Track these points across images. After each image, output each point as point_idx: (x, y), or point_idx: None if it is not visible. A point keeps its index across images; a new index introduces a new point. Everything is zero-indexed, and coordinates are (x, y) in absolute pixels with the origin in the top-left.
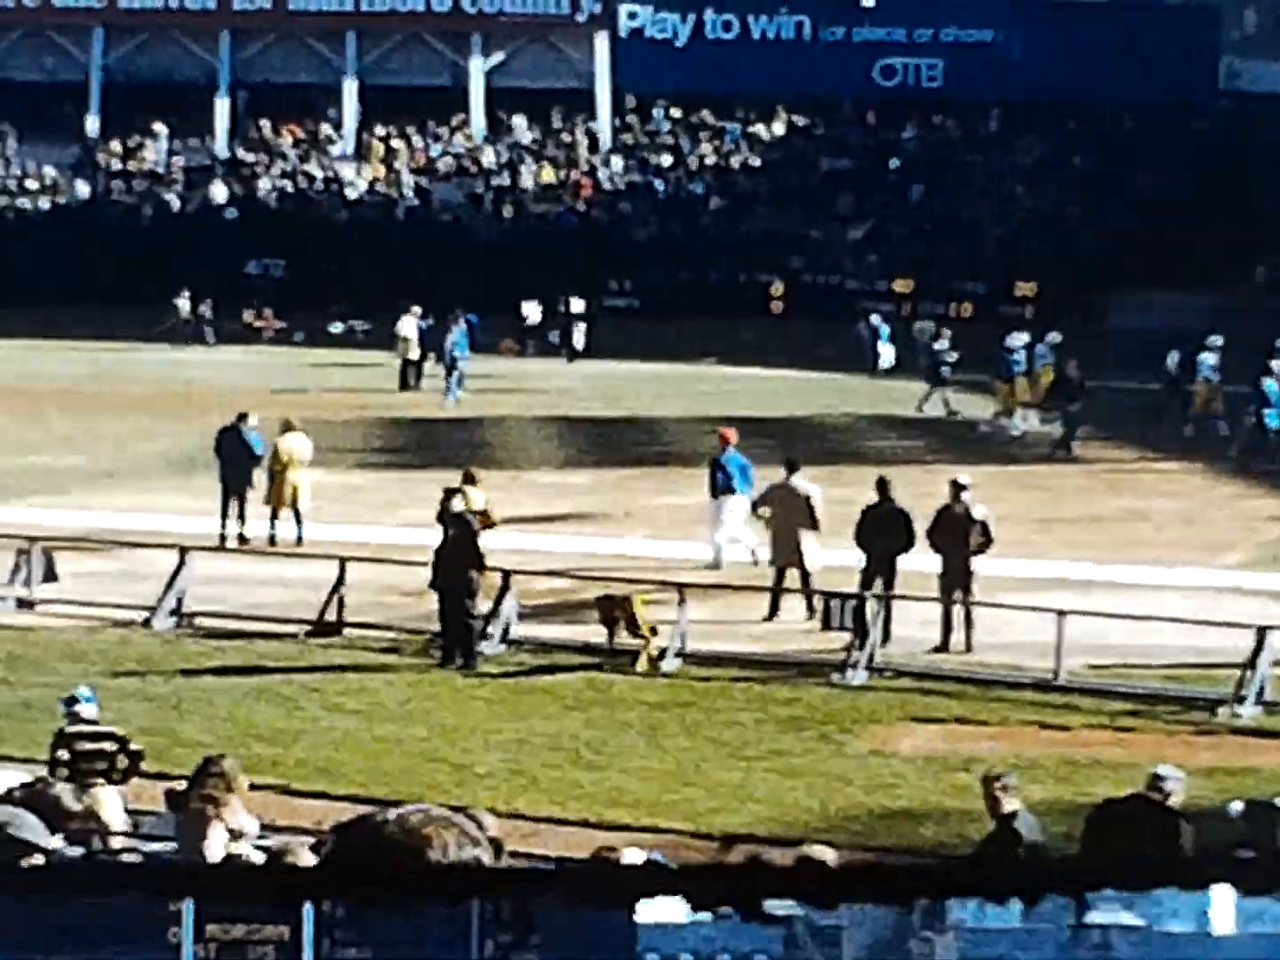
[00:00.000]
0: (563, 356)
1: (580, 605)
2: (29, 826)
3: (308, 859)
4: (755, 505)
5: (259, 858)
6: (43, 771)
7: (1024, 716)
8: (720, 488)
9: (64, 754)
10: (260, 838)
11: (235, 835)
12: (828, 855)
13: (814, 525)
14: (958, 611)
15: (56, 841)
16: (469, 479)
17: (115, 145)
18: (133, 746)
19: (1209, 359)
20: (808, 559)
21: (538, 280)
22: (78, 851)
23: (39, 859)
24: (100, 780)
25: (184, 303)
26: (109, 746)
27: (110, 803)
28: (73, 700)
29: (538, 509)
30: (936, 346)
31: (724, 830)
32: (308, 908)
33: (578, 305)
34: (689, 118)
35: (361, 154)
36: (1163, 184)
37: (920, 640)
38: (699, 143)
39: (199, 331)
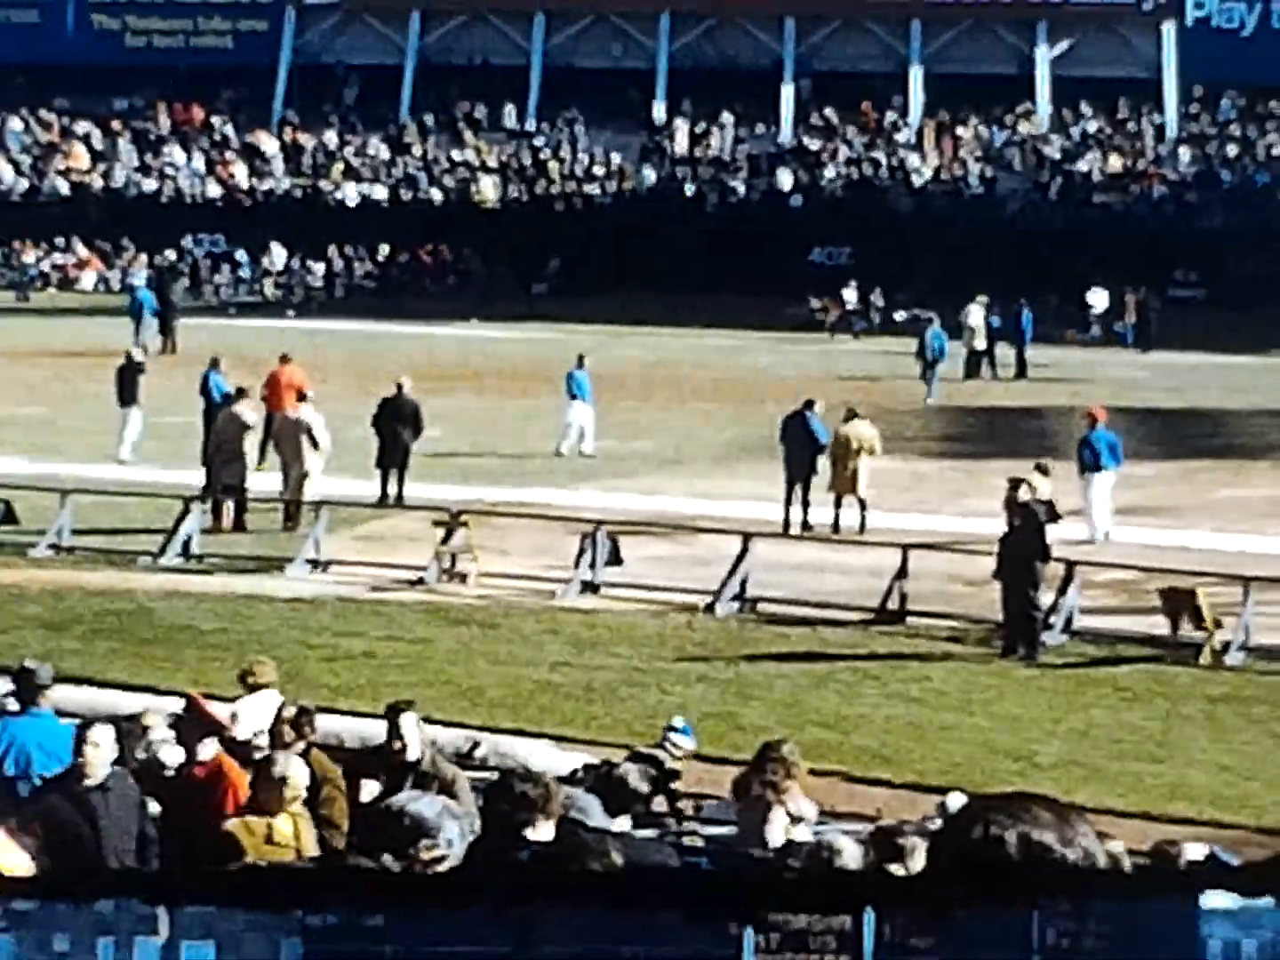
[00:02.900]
0: (1127, 347)
1: (1143, 596)
2: (590, 809)
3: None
4: None
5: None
6: (607, 755)
7: None
8: (1088, 464)
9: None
10: (819, 824)
11: (795, 820)
12: None
13: None
14: None
15: (622, 824)
16: (1041, 470)
17: (681, 132)
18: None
19: None
20: None
21: (1102, 270)
22: (648, 833)
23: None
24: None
25: (850, 292)
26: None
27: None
28: (670, 729)
29: None
30: None
31: None
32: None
33: (1144, 296)
34: (1255, 107)
35: (926, 142)
36: None
37: None
38: (1265, 133)
39: (845, 323)
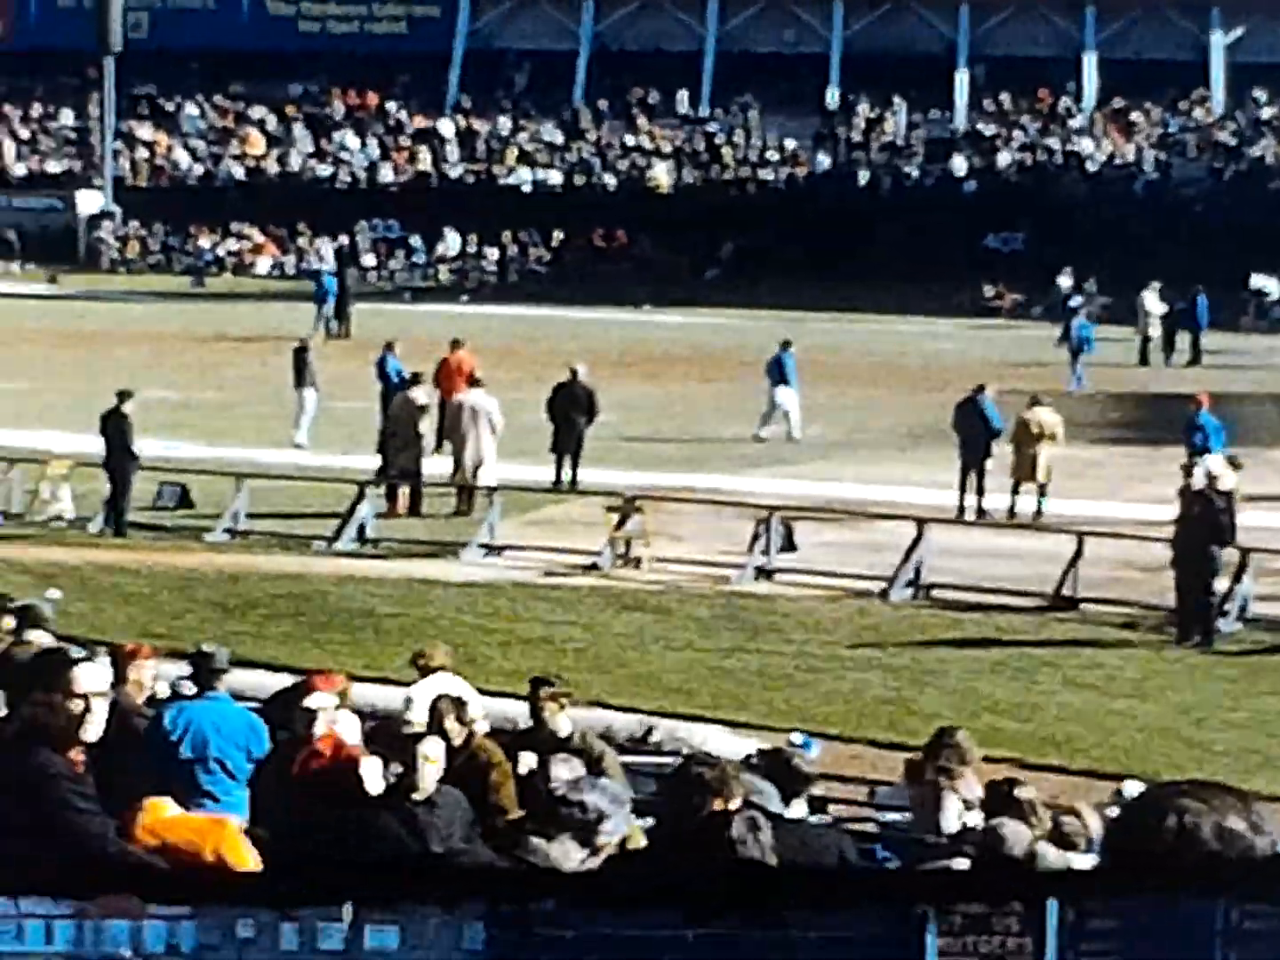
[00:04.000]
0: None
1: None
2: (765, 794)
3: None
4: None
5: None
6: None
7: None
8: (1196, 448)
9: None
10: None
11: (969, 807)
12: None
13: None
14: None
15: (798, 809)
16: (1233, 463)
17: (856, 117)
18: None
19: None
20: None
21: (1277, 256)
22: (823, 819)
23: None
24: None
25: (1066, 279)
26: None
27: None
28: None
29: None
30: None
31: None
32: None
33: None
34: None
35: (1100, 127)
36: None
37: None
38: None
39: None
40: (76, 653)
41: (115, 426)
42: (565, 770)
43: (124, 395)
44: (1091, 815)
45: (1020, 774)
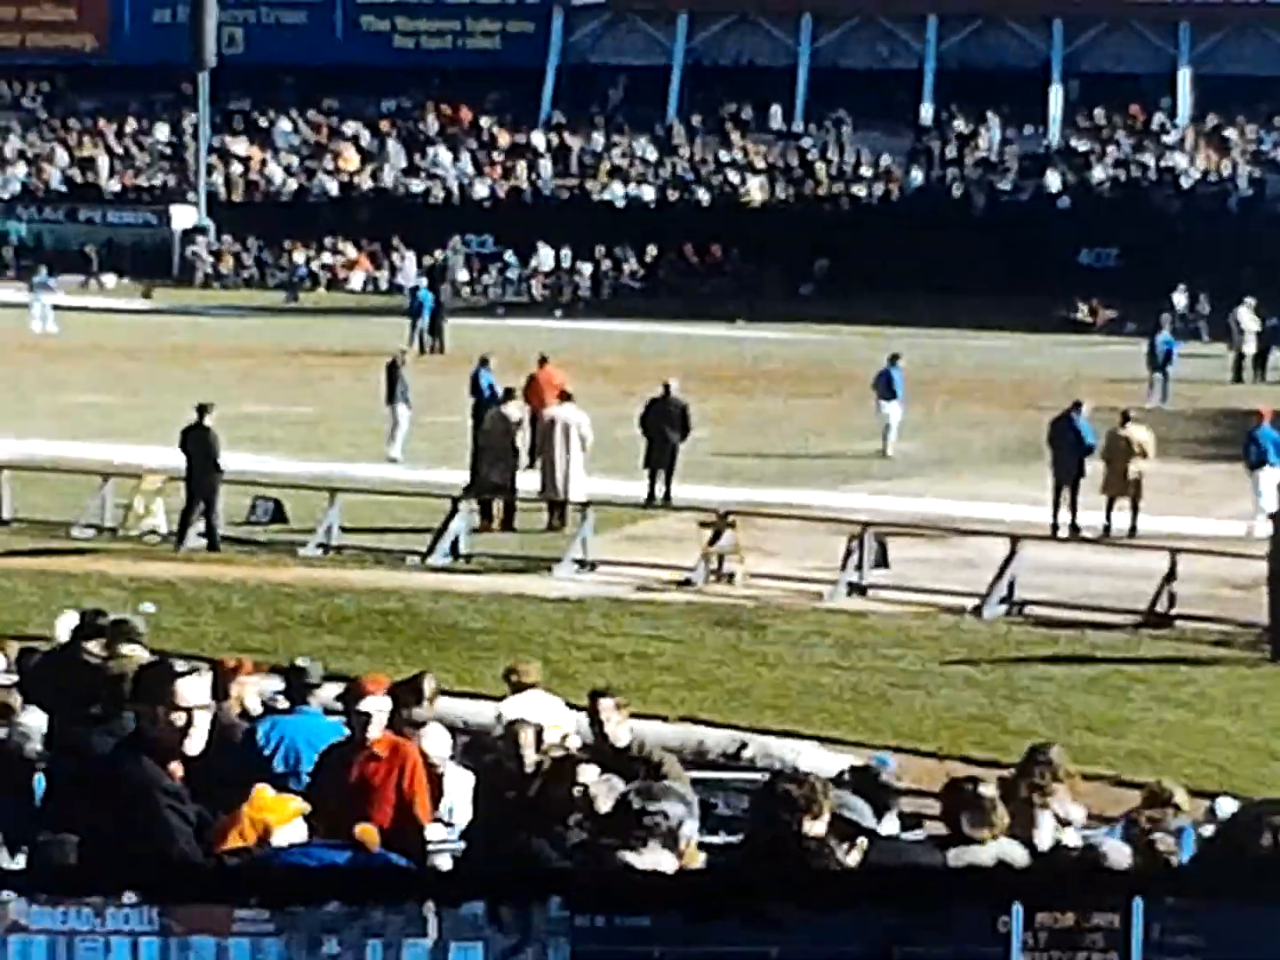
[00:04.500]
0: None
1: None
2: (858, 810)
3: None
4: None
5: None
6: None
7: None
8: (1254, 462)
9: None
10: (1085, 827)
11: (1062, 823)
12: None
13: None
14: None
15: (889, 825)
16: None
17: (949, 133)
18: None
19: None
20: None
21: None
22: (915, 835)
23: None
24: None
25: (1180, 297)
26: None
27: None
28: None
29: None
30: None
31: None
32: (1137, 898)
33: None
34: None
35: (1194, 143)
36: None
37: None
38: None
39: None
40: (181, 666)
41: (198, 440)
42: (605, 789)
43: (204, 409)
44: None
45: (1114, 791)
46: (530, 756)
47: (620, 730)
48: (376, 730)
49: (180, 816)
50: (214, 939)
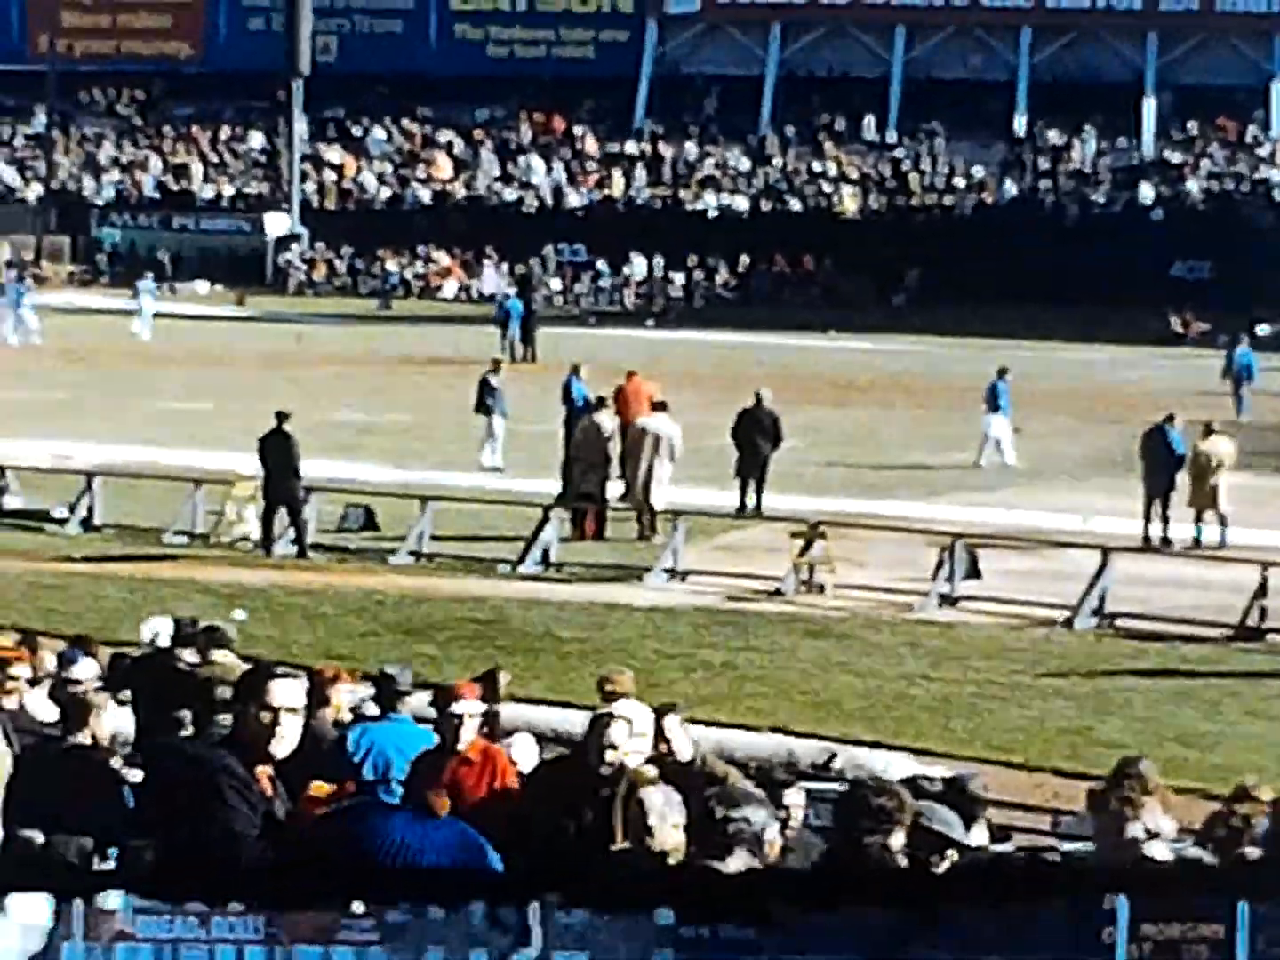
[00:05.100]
0: None
1: None
2: (947, 821)
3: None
4: None
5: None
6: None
7: None
8: None
9: None
10: (1176, 841)
11: (1151, 836)
12: None
13: None
14: None
15: (978, 836)
16: None
17: (1042, 145)
18: None
19: None
20: None
21: None
22: (1005, 847)
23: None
24: None
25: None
26: None
27: None
28: None
29: None
30: None
31: None
32: (1242, 905)
33: None
34: None
35: None
36: None
37: None
38: None
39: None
40: (275, 669)
41: (277, 447)
42: (660, 797)
43: (283, 415)
44: None
45: (1204, 804)
46: (613, 756)
47: (684, 744)
48: (469, 735)
49: (266, 818)
50: (319, 947)
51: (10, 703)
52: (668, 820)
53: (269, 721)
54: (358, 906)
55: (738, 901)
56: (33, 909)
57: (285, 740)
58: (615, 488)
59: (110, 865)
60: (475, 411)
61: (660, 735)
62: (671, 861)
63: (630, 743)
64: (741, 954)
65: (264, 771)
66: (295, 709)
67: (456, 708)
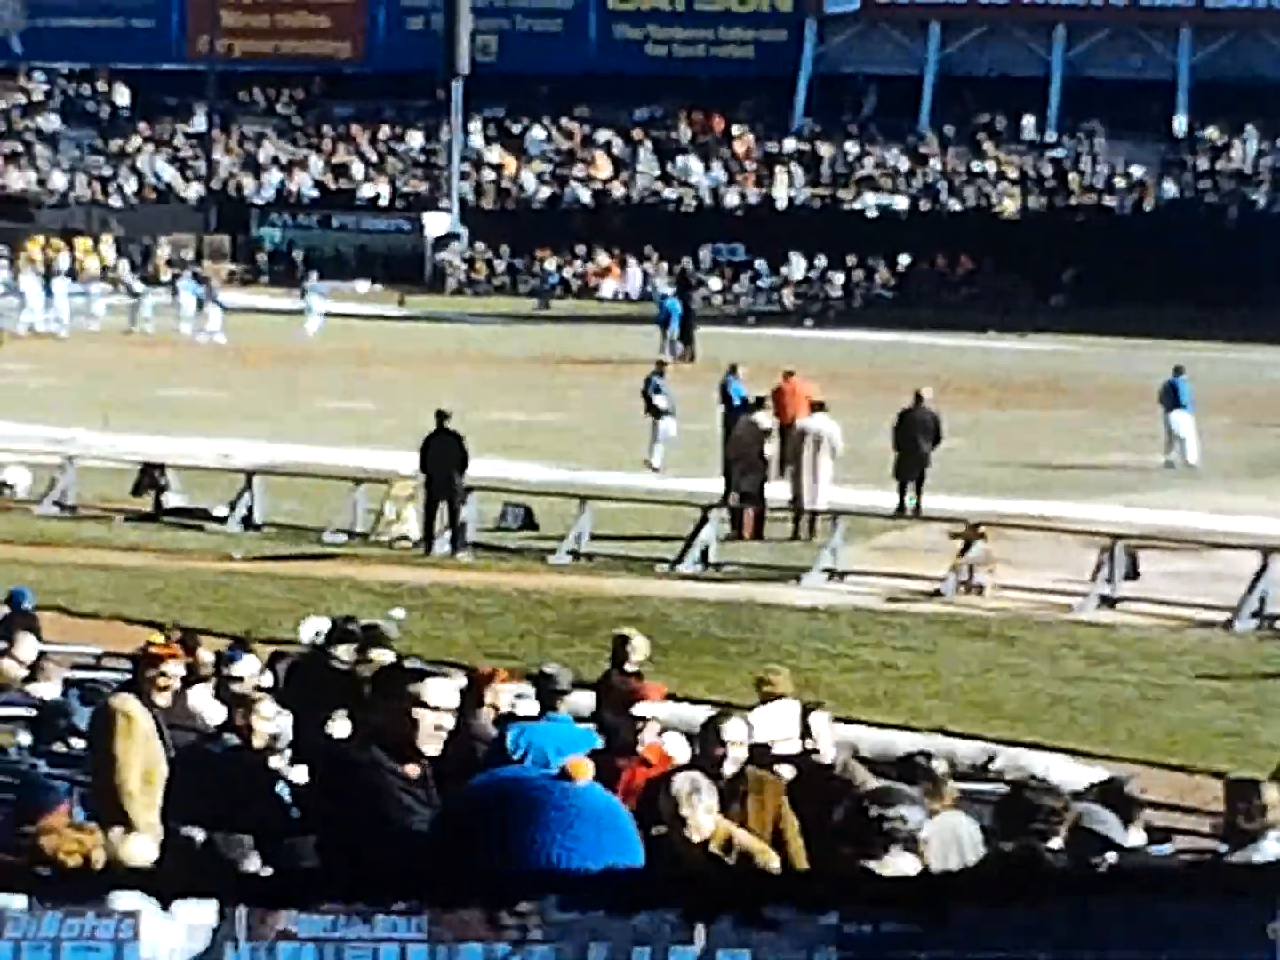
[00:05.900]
0: None
1: None
2: (1107, 822)
3: None
4: None
5: None
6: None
7: None
8: None
9: None
10: None
11: None
12: None
13: None
14: None
15: (1135, 837)
16: None
17: (1202, 144)
18: None
19: None
20: None
21: None
22: (1164, 849)
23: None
24: None
25: None
26: None
27: None
28: None
29: None
30: None
31: None
32: None
33: None
34: None
35: None
36: None
37: None
38: None
39: None
40: (422, 668)
41: (440, 446)
42: (685, 784)
43: (444, 415)
44: None
45: None
46: (735, 754)
47: (827, 744)
48: (649, 737)
49: (417, 816)
50: (481, 945)
51: (164, 700)
52: (698, 807)
53: (420, 718)
54: (522, 905)
55: (901, 900)
56: (198, 909)
57: (435, 738)
58: (779, 488)
59: (271, 865)
60: (645, 414)
61: (806, 734)
62: (714, 849)
63: (773, 738)
64: (906, 950)
65: (413, 769)
66: (448, 708)
67: (639, 709)
